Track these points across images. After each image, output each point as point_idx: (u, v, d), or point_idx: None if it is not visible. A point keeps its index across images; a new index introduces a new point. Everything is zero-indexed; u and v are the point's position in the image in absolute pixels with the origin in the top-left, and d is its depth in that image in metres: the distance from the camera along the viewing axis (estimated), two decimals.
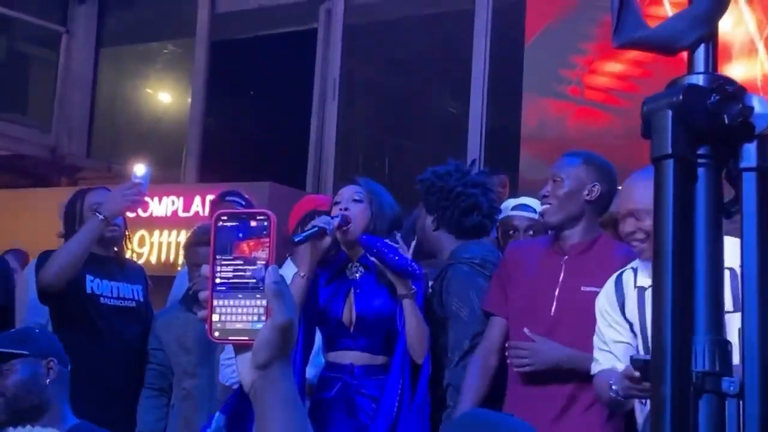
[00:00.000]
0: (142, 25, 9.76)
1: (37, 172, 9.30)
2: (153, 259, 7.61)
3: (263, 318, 1.27)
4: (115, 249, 4.09)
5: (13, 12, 9.24)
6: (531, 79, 7.26)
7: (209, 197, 7.23)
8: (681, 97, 0.77)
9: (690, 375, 0.74)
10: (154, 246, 7.66)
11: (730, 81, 0.79)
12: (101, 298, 3.94)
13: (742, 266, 0.77)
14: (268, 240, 1.29)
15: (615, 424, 3.13)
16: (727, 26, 6.46)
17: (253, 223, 1.29)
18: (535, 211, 3.88)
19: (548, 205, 3.26)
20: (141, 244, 7.52)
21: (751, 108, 0.78)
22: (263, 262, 1.29)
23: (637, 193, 2.79)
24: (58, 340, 3.21)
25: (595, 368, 2.86)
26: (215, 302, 1.29)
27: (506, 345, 3.22)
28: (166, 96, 9.85)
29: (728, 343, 0.77)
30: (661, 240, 0.75)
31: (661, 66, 7.05)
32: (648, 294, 2.78)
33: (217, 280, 1.29)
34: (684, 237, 0.74)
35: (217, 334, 1.29)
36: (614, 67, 7.06)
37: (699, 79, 0.80)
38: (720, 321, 0.77)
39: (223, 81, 8.92)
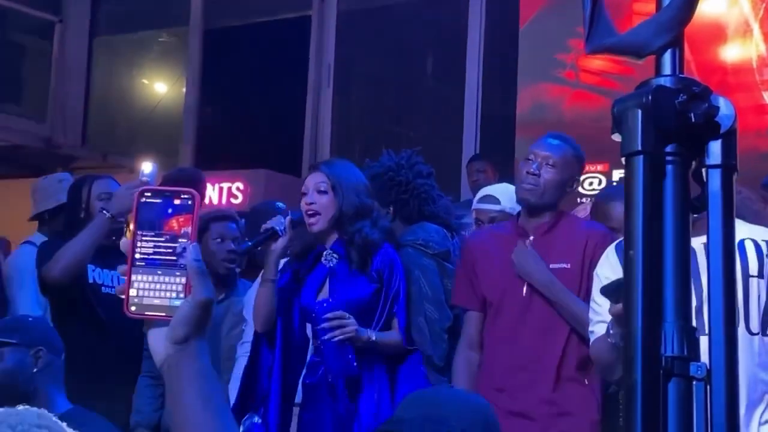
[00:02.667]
0: (135, 13, 9.74)
1: (33, 163, 9.31)
2: None
3: (182, 295, 1.28)
4: (113, 238, 4.13)
5: (5, 2, 9.23)
6: (526, 64, 7.28)
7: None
8: (650, 97, 0.80)
9: (659, 360, 0.78)
10: None
11: (696, 83, 0.83)
12: (102, 288, 3.98)
13: (708, 260, 0.81)
14: (191, 218, 1.29)
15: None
16: (722, 7, 6.48)
17: (176, 201, 1.29)
18: (498, 201, 4.04)
19: (533, 186, 3.29)
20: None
21: (717, 107, 0.82)
22: (185, 240, 1.29)
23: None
24: (58, 329, 3.23)
25: (591, 339, 2.91)
26: (133, 277, 1.30)
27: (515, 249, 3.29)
28: (160, 84, 9.86)
29: (695, 330, 0.81)
30: (632, 232, 0.78)
31: None
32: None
33: (137, 255, 1.30)
34: (653, 229, 0.78)
35: (133, 308, 1.30)
36: None
37: (666, 82, 0.83)
38: (687, 308, 0.81)
39: (218, 69, 8.93)
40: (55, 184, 4.69)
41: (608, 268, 2.93)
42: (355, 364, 3.36)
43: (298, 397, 3.55)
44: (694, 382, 0.78)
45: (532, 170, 3.27)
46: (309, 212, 3.46)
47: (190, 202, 1.30)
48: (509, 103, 7.31)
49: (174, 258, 1.29)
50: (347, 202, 3.45)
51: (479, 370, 3.35)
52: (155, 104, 9.71)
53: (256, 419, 3.42)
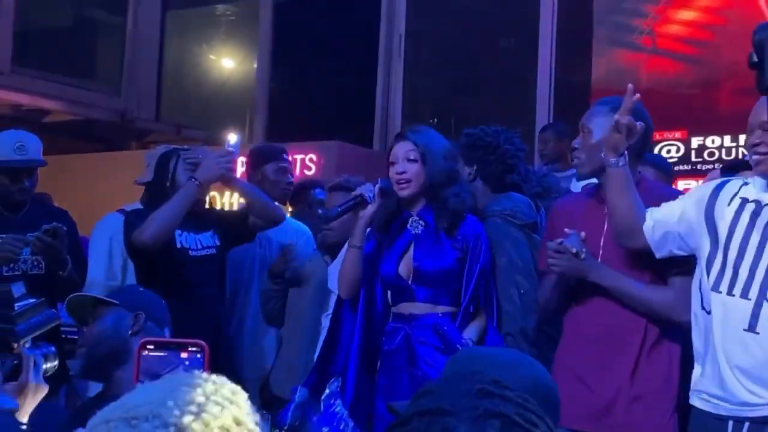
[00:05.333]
0: None
1: (108, 137, 9.42)
2: None
3: None
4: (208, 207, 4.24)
5: None
6: (601, 30, 7.14)
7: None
8: None
9: None
10: (225, 207, 7.72)
11: None
12: (190, 251, 4.02)
13: None
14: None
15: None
16: None
17: (183, 355, 1.23)
18: None
19: (578, 160, 3.25)
20: (212, 204, 7.59)
21: None
22: None
23: None
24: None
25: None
26: None
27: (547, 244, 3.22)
28: (232, 57, 9.89)
29: None
30: None
31: (736, 13, 6.89)
32: (749, 206, 2.80)
33: None
34: None
35: None
36: (687, 15, 6.91)
37: None
38: None
39: (288, 41, 8.92)
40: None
41: (696, 195, 2.94)
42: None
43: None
44: None
45: (575, 144, 3.27)
46: (400, 181, 3.46)
47: (199, 355, 1.24)
48: (584, 70, 7.19)
49: None
50: (437, 169, 3.46)
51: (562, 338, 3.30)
52: (227, 77, 9.75)
53: (336, 382, 3.44)
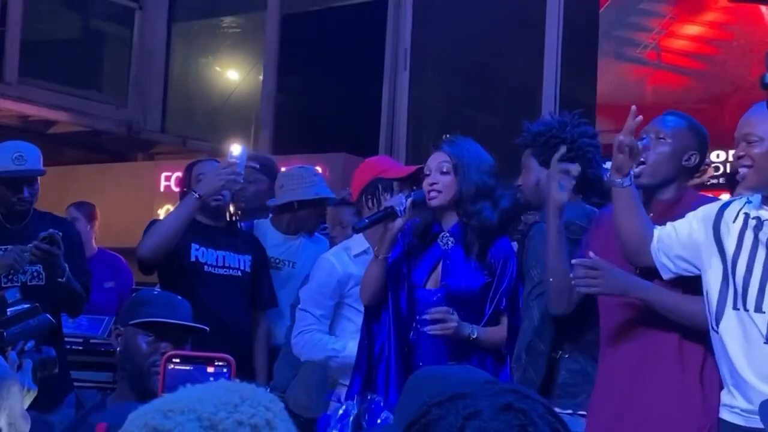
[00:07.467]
0: None
1: (114, 148, 9.44)
2: None
3: None
4: (228, 218, 4.15)
5: None
6: (606, 44, 7.15)
7: (284, 169, 7.24)
8: None
9: None
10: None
11: None
12: (205, 266, 3.99)
13: None
14: None
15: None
16: None
17: (210, 369, 1.25)
18: None
19: (644, 165, 3.07)
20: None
21: None
22: None
23: (756, 119, 2.79)
24: None
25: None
26: None
27: (572, 262, 3.06)
28: (238, 69, 9.91)
29: None
30: None
31: (741, 28, 6.90)
32: (751, 222, 2.81)
33: None
34: None
35: None
36: (692, 29, 6.92)
37: None
38: None
39: (295, 53, 8.94)
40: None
41: (701, 215, 2.91)
42: (444, 360, 3.31)
43: None
44: None
45: (644, 144, 3.06)
46: (431, 191, 3.43)
47: (225, 370, 1.26)
48: (589, 85, 7.20)
49: None
50: (468, 182, 3.40)
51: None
52: (233, 89, 9.76)
53: (377, 398, 3.40)
